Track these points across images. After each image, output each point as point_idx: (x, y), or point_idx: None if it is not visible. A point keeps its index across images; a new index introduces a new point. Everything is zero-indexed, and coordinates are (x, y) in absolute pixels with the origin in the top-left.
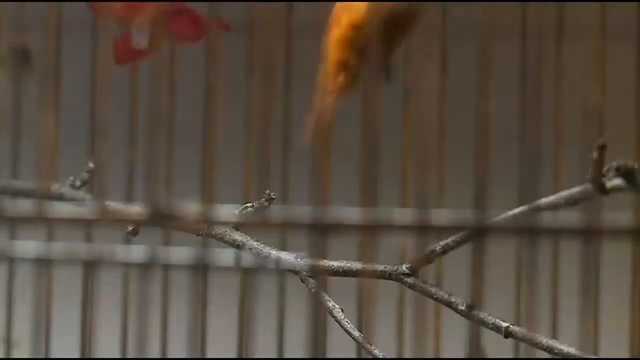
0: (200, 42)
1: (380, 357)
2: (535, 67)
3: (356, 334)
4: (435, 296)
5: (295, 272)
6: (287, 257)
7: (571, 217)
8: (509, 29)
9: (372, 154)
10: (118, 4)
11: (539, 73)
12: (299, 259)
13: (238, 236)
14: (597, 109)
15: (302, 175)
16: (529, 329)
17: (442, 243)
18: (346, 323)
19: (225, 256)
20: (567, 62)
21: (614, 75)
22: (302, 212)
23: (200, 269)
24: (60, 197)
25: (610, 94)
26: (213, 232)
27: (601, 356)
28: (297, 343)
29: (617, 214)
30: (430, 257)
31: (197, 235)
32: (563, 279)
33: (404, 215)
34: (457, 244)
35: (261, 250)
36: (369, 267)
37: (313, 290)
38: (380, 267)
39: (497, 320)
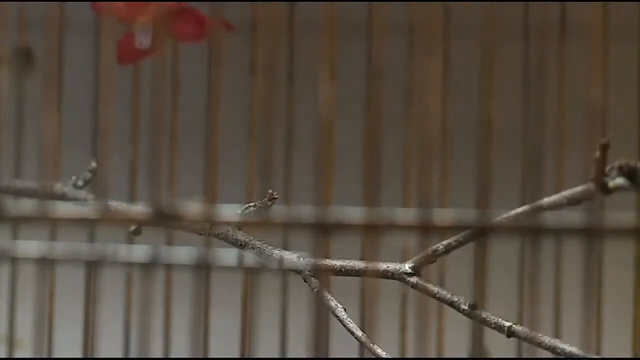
0: (203, 41)
1: (384, 357)
2: (538, 66)
3: (359, 333)
4: (437, 296)
5: (298, 272)
6: (290, 257)
7: (574, 217)
8: (511, 28)
9: (374, 153)
10: (121, 3)
11: (542, 73)
12: (301, 259)
13: (241, 236)
14: (600, 108)
15: (305, 175)
16: (532, 328)
17: (445, 243)
18: (349, 323)
19: (228, 256)
20: (569, 62)
21: (617, 74)
22: (305, 212)
23: (203, 269)
24: (63, 197)
25: (613, 93)
26: (216, 232)
27: (604, 355)
28: (300, 343)
29: (620, 214)
30: (433, 257)
31: (200, 235)
32: (566, 278)
33: (406, 215)
34: (460, 244)
35: (264, 250)
36: (372, 266)
37: (316, 290)
38: (383, 267)
39: (500, 320)
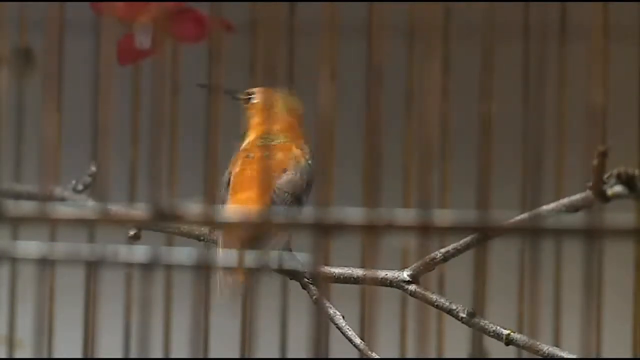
0: (203, 42)
1: None
2: (538, 67)
3: (357, 341)
4: (436, 304)
5: (297, 280)
6: (290, 260)
7: (574, 218)
8: (511, 29)
9: (374, 154)
10: (120, 4)
11: (542, 73)
12: (301, 264)
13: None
14: (599, 109)
15: None
16: (532, 328)
17: (443, 250)
18: (347, 330)
19: (227, 257)
20: (569, 63)
21: (617, 75)
22: (305, 212)
23: (203, 269)
24: (62, 201)
25: (613, 94)
26: (214, 238)
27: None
28: (300, 343)
29: (619, 215)
30: (431, 265)
31: (200, 240)
32: (566, 278)
33: (406, 215)
34: (458, 251)
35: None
36: (370, 274)
37: (314, 297)
38: (382, 274)
39: (498, 327)
